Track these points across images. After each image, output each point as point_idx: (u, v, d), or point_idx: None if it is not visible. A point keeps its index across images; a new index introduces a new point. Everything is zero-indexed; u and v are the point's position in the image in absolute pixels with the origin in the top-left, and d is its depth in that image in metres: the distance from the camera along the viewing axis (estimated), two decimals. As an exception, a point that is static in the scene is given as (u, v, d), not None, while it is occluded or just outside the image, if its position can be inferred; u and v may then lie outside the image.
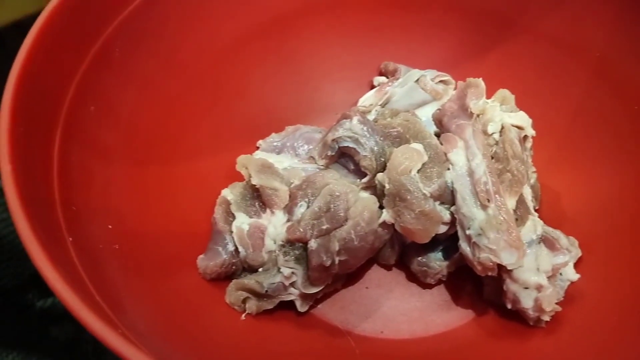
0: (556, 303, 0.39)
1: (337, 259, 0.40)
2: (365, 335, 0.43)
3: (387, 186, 0.40)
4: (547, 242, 0.40)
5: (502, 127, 0.41)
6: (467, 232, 0.39)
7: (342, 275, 0.43)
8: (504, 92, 0.42)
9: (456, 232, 0.40)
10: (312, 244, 0.40)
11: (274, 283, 0.41)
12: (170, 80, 0.47)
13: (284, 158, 0.46)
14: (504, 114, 0.41)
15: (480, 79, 0.42)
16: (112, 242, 0.38)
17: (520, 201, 0.40)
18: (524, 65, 0.51)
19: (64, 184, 0.37)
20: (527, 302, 0.39)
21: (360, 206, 0.40)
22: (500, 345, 0.41)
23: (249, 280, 0.41)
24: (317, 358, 0.41)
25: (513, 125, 0.41)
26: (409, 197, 0.39)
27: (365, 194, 0.42)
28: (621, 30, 0.46)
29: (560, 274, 0.40)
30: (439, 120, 0.43)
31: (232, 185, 0.45)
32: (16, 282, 0.47)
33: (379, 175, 0.41)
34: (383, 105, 0.49)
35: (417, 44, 0.53)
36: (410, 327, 0.43)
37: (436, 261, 0.43)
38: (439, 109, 0.43)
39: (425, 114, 0.47)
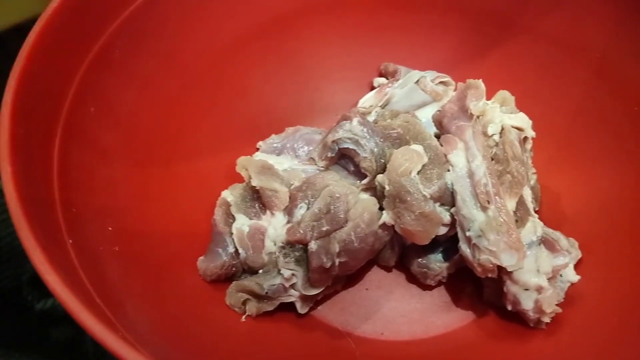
0: (556, 304, 0.39)
1: (337, 261, 0.40)
2: (365, 336, 0.43)
3: (387, 187, 0.40)
4: (547, 243, 0.40)
5: (502, 129, 0.41)
6: (467, 233, 0.39)
7: (342, 276, 0.43)
8: (504, 94, 0.42)
9: (456, 234, 0.40)
10: (312, 245, 0.39)
11: (274, 285, 0.41)
12: (170, 81, 0.47)
13: (284, 159, 0.46)
14: (504, 116, 0.41)
15: (480, 80, 0.42)
16: (112, 244, 0.38)
17: (520, 202, 0.40)
18: (524, 66, 0.51)
19: (64, 185, 0.37)
20: (527, 303, 0.39)
21: (360, 208, 0.40)
22: (501, 346, 0.41)
23: (249, 282, 0.41)
24: (317, 360, 0.41)
25: (513, 127, 0.41)
26: (409, 198, 0.39)
27: (365, 196, 0.42)
28: (621, 31, 0.46)
29: (561, 275, 0.40)
30: (439, 122, 0.43)
31: (232, 187, 0.45)
32: (16, 283, 0.47)
33: (379, 177, 0.41)
34: (383, 107, 0.49)
35: (417, 45, 0.53)
36: (410, 329, 0.43)
37: (436, 263, 0.43)
38: (439, 110, 0.43)
39: (425, 115, 0.47)
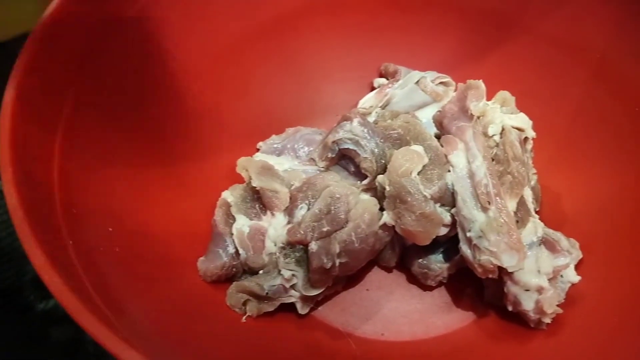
0: (557, 305, 0.39)
1: (337, 261, 0.40)
2: (365, 337, 0.43)
3: (387, 188, 0.40)
4: (547, 244, 0.40)
5: (503, 129, 0.41)
6: (468, 234, 0.39)
7: (343, 277, 0.43)
8: (504, 94, 0.42)
9: (457, 234, 0.40)
10: (313, 246, 0.39)
11: (274, 285, 0.41)
12: (171, 81, 0.47)
13: (284, 160, 0.46)
14: (504, 116, 0.41)
15: (481, 80, 0.42)
16: (112, 245, 0.38)
17: (521, 203, 0.40)
18: (524, 67, 0.51)
19: (64, 186, 0.37)
20: (528, 304, 0.39)
21: (361, 208, 0.40)
22: (501, 347, 0.41)
23: (249, 283, 0.41)
24: (318, 360, 0.41)
25: (513, 127, 0.41)
26: (409, 199, 0.39)
27: (366, 196, 0.42)
28: (621, 31, 0.46)
29: (561, 275, 0.40)
30: (439, 122, 0.43)
31: (232, 188, 0.45)
32: (17, 283, 0.47)
33: (380, 177, 0.41)
34: (383, 107, 0.49)
35: (417, 45, 0.53)
36: (410, 329, 0.43)
37: (437, 263, 0.43)
38: (439, 111, 0.43)
39: (426, 116, 0.47)
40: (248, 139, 0.49)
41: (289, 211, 0.42)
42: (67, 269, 0.32)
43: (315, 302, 0.43)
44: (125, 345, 0.28)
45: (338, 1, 0.53)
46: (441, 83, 0.50)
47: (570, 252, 0.41)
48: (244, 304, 0.41)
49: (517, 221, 0.39)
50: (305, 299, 0.42)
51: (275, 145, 0.47)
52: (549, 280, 0.39)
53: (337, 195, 0.40)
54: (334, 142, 0.43)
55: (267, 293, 0.41)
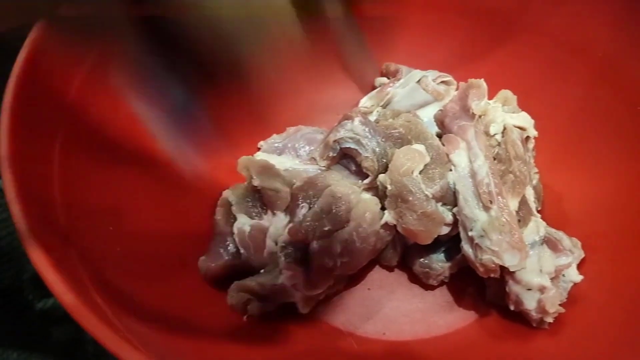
0: (559, 304, 0.39)
1: (338, 261, 0.40)
2: (367, 336, 0.43)
3: (389, 187, 0.40)
4: (549, 243, 0.40)
5: (505, 128, 0.41)
6: (470, 233, 0.39)
7: (344, 276, 0.43)
8: (506, 93, 0.42)
9: (458, 234, 0.40)
10: (314, 245, 0.39)
11: (275, 285, 0.41)
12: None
13: (285, 159, 0.46)
14: (506, 115, 0.41)
15: (482, 79, 0.42)
16: (113, 244, 0.38)
17: (523, 202, 0.40)
18: (526, 66, 0.51)
19: (65, 185, 0.37)
20: (530, 303, 0.39)
21: (362, 207, 0.40)
22: (503, 346, 0.41)
23: (250, 282, 0.41)
24: (319, 360, 0.41)
25: (515, 126, 0.41)
26: (411, 198, 0.39)
27: (367, 195, 0.41)
28: (624, 31, 0.46)
29: (563, 275, 0.40)
30: (440, 121, 0.43)
31: (233, 187, 0.45)
32: (17, 282, 0.47)
33: (381, 177, 0.41)
34: (384, 106, 0.49)
35: (418, 44, 0.53)
36: (412, 329, 0.43)
37: (438, 262, 0.43)
38: (440, 110, 0.43)
39: (427, 115, 0.47)
40: (249, 138, 0.49)
41: (290, 210, 0.42)
42: (67, 268, 0.32)
43: (316, 302, 0.43)
44: (125, 344, 0.28)
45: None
46: (442, 82, 0.50)
47: (572, 252, 0.41)
48: (245, 303, 0.41)
49: (519, 220, 0.39)
50: (306, 298, 0.41)
51: (276, 145, 0.47)
52: (551, 279, 0.39)
53: (339, 195, 0.40)
54: (335, 141, 0.42)
55: (268, 292, 0.41)
